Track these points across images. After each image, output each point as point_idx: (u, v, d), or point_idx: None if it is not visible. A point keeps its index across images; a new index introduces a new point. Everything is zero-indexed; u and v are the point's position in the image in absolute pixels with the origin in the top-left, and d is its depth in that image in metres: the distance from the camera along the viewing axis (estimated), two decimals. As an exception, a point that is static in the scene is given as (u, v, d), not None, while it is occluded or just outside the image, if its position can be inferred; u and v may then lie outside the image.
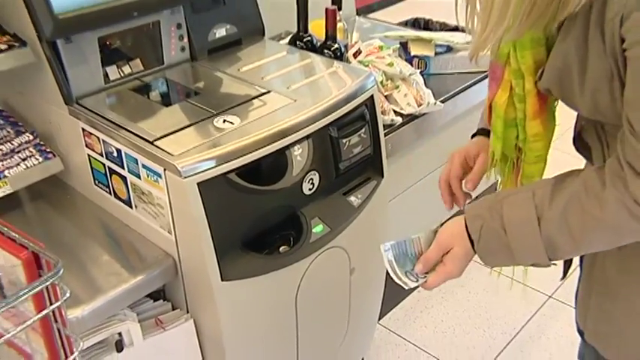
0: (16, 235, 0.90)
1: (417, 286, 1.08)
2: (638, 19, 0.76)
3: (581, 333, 1.28)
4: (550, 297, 2.26)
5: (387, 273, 1.08)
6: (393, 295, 2.20)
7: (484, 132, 1.29)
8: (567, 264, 1.22)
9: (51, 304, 0.89)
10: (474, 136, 1.32)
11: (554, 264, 0.98)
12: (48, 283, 0.86)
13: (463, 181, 1.28)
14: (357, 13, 2.53)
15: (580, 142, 1.08)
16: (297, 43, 1.93)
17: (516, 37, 0.97)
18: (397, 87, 1.88)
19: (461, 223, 1.01)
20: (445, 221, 1.09)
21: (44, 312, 0.89)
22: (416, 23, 2.47)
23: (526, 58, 1.02)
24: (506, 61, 1.07)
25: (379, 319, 2.08)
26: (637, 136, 0.81)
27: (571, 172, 0.95)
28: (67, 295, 0.89)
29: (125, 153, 1.39)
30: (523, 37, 0.98)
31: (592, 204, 0.87)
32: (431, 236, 1.08)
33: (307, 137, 1.44)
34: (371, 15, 2.96)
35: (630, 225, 0.86)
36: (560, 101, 1.05)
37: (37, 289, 0.85)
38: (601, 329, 1.09)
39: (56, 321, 0.92)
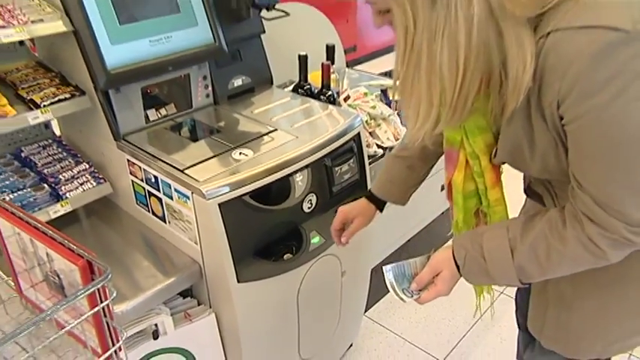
0: (74, 246, 0.89)
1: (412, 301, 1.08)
2: (570, 104, 0.75)
3: (521, 327, 1.27)
4: (502, 293, 2.26)
5: (386, 286, 1.06)
6: (376, 292, 2.16)
7: (370, 195, 1.33)
8: None
9: (101, 302, 0.88)
10: (366, 195, 1.34)
11: (526, 285, 0.96)
12: (99, 286, 0.86)
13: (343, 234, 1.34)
14: (347, 66, 2.52)
15: (530, 191, 1.07)
16: (299, 90, 1.92)
17: (451, 127, 0.96)
18: (379, 125, 1.88)
19: (449, 252, 1.00)
20: (436, 249, 1.09)
21: (96, 309, 0.88)
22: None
23: (478, 143, 1.00)
24: (460, 146, 1.04)
25: (365, 311, 2.07)
26: (584, 190, 0.81)
27: (539, 212, 0.93)
28: (114, 294, 0.88)
29: (161, 179, 1.40)
30: (470, 126, 0.97)
31: (555, 240, 0.87)
32: (424, 260, 1.08)
33: (307, 166, 1.44)
34: (358, 67, 2.94)
35: (586, 257, 0.85)
36: None
37: (91, 291, 0.85)
38: (560, 336, 1.08)
39: (105, 315, 0.90)
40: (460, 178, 1.07)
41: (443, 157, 1.14)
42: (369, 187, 1.53)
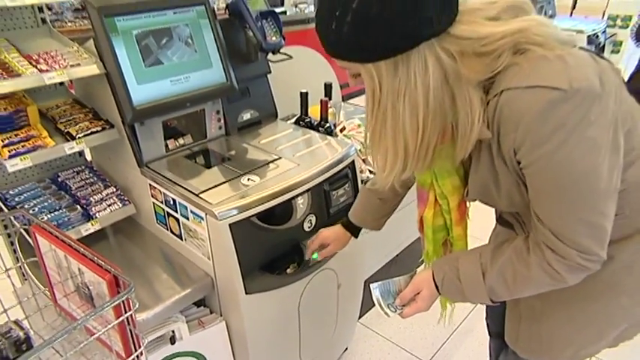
0: (102, 262, 0.91)
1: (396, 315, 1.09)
2: (524, 152, 0.78)
3: (492, 334, 1.27)
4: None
5: (373, 301, 1.08)
6: (368, 301, 2.13)
7: (347, 222, 1.34)
8: None
9: (125, 312, 0.89)
10: (343, 223, 1.36)
11: (497, 304, 0.98)
12: (123, 298, 0.87)
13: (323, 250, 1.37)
14: (342, 100, 2.55)
15: (502, 220, 1.09)
16: (300, 122, 1.92)
17: (417, 172, 0.98)
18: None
19: (429, 273, 1.01)
20: (417, 269, 1.10)
21: (121, 318, 0.89)
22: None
23: (446, 185, 1.01)
24: (430, 187, 1.05)
25: (358, 318, 2.05)
26: (543, 223, 0.83)
27: (507, 239, 0.95)
28: (137, 306, 0.89)
29: (178, 202, 1.40)
30: (439, 170, 0.99)
31: (521, 265, 0.88)
32: (408, 279, 1.09)
33: (307, 190, 1.44)
34: (352, 100, 2.88)
35: (547, 280, 0.87)
36: None
37: (116, 303, 0.86)
38: (533, 347, 1.08)
39: (129, 323, 0.91)
40: (430, 214, 1.09)
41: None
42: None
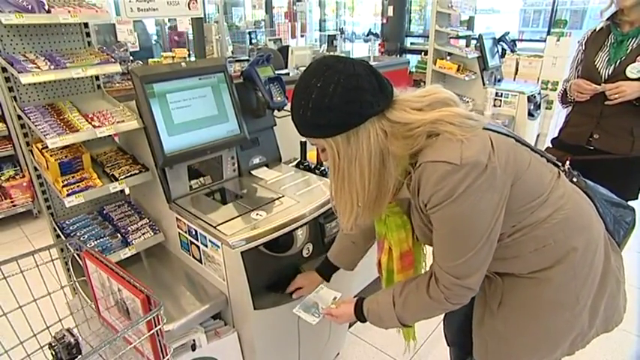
0: (137, 284, 0.94)
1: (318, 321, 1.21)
2: (429, 208, 0.88)
3: (449, 343, 1.30)
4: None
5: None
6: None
7: (320, 268, 1.38)
8: None
9: (155, 326, 0.92)
10: (318, 269, 1.38)
11: (409, 326, 1.07)
12: (154, 314, 0.90)
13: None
14: None
15: None
16: (300, 166, 1.94)
17: (376, 221, 1.06)
18: None
19: (351, 308, 1.12)
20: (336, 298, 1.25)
21: (152, 331, 0.92)
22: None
23: (394, 238, 1.08)
24: (384, 237, 1.12)
25: (348, 328, 2.06)
26: (435, 260, 0.94)
27: (414, 277, 1.02)
28: (164, 320, 0.92)
29: (199, 232, 1.42)
30: (391, 225, 1.06)
31: (421, 295, 0.97)
32: (330, 300, 1.23)
33: (306, 223, 1.45)
34: None
35: (434, 305, 0.95)
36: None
37: (148, 318, 0.90)
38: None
39: (158, 335, 0.94)
40: (385, 259, 1.15)
41: None
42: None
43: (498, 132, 0.93)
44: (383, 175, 0.89)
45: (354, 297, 1.14)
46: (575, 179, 1.05)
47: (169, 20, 6.54)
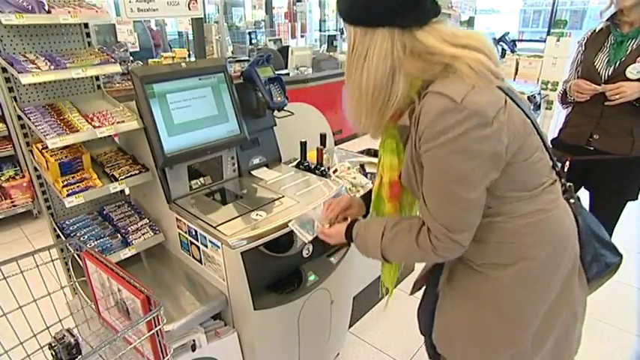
0: (137, 284, 0.93)
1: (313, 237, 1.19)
2: (422, 143, 0.85)
3: (423, 333, 1.26)
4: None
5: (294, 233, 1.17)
6: (357, 315, 2.18)
7: (366, 197, 1.26)
8: (415, 287, 1.28)
9: (155, 326, 0.91)
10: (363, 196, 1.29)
11: (388, 262, 1.02)
12: (154, 315, 0.89)
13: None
14: (335, 144, 2.52)
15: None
16: (300, 166, 1.92)
17: (374, 131, 1.00)
18: (358, 191, 1.89)
19: (344, 227, 1.10)
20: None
21: (152, 331, 0.91)
22: (369, 151, 2.46)
23: (386, 162, 1.05)
24: (381, 162, 1.09)
25: (348, 328, 2.07)
26: (426, 205, 0.90)
27: (409, 218, 0.99)
28: (164, 321, 0.91)
29: (199, 232, 1.42)
30: (386, 148, 1.03)
31: (410, 239, 0.94)
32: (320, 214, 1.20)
33: None
34: (342, 145, 2.83)
35: (424, 255, 0.93)
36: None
37: (148, 319, 0.89)
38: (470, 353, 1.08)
39: (158, 335, 0.93)
40: (377, 183, 1.13)
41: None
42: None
43: (522, 109, 0.90)
44: (389, 86, 0.88)
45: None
46: (572, 200, 1.02)
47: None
